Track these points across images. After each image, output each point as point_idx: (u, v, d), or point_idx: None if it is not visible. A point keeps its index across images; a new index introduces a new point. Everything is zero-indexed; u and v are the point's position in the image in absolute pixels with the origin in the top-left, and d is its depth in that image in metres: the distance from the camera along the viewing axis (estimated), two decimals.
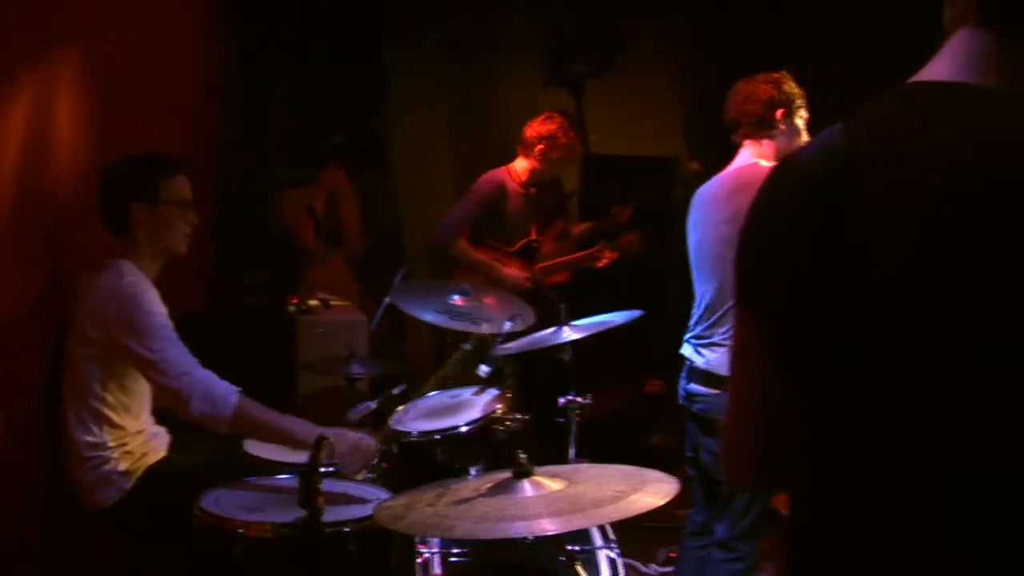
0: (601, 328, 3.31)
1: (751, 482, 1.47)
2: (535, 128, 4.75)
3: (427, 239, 5.06)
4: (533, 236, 4.91)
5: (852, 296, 1.09)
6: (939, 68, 1.14)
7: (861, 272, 1.08)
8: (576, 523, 2.04)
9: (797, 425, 1.24)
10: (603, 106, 7.45)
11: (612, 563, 2.75)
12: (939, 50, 1.17)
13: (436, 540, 2.74)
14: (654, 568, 4.23)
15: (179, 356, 2.92)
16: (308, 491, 2.33)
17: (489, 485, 2.23)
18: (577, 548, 2.77)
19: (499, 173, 4.81)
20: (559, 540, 2.54)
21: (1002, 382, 1.00)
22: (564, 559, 2.48)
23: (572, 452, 3.37)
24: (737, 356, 1.37)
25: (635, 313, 3.38)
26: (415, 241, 7.03)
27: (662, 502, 2.06)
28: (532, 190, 4.83)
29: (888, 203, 1.06)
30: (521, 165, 4.81)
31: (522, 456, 2.19)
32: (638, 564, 4.20)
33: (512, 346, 3.35)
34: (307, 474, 2.33)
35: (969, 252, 0.99)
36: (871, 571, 1.15)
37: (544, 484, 2.19)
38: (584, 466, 2.52)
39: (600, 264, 4.90)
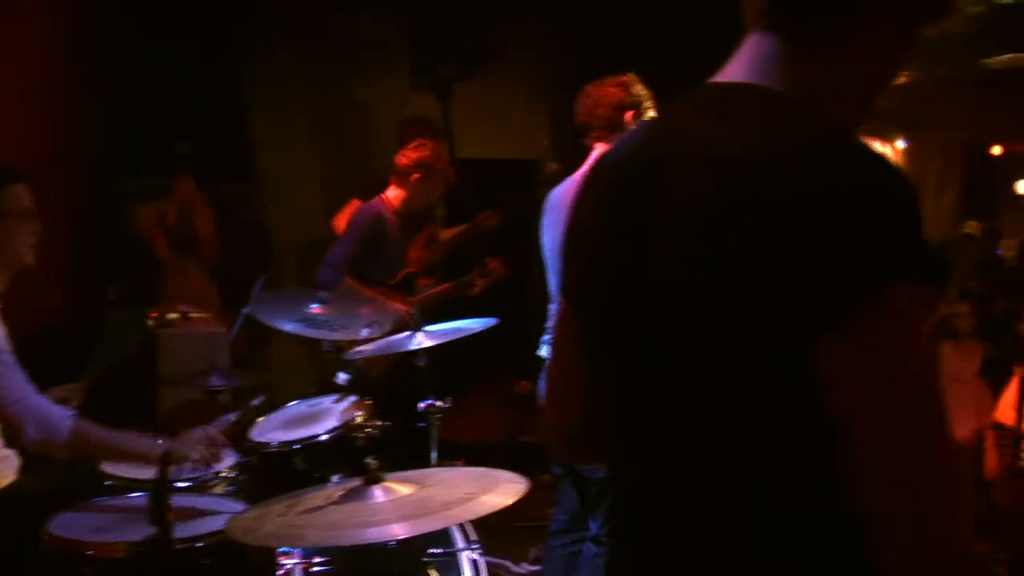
0: (456, 336, 3.33)
1: (572, 459, 1.51)
2: (408, 156, 4.65)
3: (296, 244, 5.02)
4: (411, 268, 4.87)
5: (652, 293, 1.13)
6: (732, 69, 1.17)
7: (658, 270, 1.11)
8: (425, 526, 2.04)
9: (615, 410, 1.28)
10: (470, 109, 7.51)
11: (474, 564, 2.78)
12: (735, 51, 1.20)
13: (298, 550, 2.73)
14: (525, 567, 4.28)
15: (14, 383, 2.81)
16: (157, 507, 2.29)
17: (340, 493, 2.23)
18: (439, 551, 2.79)
19: (374, 205, 4.68)
20: (421, 544, 2.56)
21: (790, 390, 1.01)
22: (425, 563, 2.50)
23: (434, 456, 3.38)
24: (557, 343, 1.42)
25: (491, 321, 3.41)
26: (282, 248, 6.98)
27: (510, 501, 2.08)
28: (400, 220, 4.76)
29: (675, 203, 1.10)
30: (395, 194, 4.70)
31: (371, 463, 2.20)
32: (509, 563, 4.25)
33: (366, 349, 3.35)
34: (156, 490, 2.30)
35: (740, 257, 1.00)
36: (680, 568, 1.19)
37: (395, 489, 2.20)
38: (436, 470, 2.54)
39: (474, 291, 4.90)
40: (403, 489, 2.20)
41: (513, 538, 4.20)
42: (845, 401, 0.97)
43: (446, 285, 4.93)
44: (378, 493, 2.20)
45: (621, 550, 1.29)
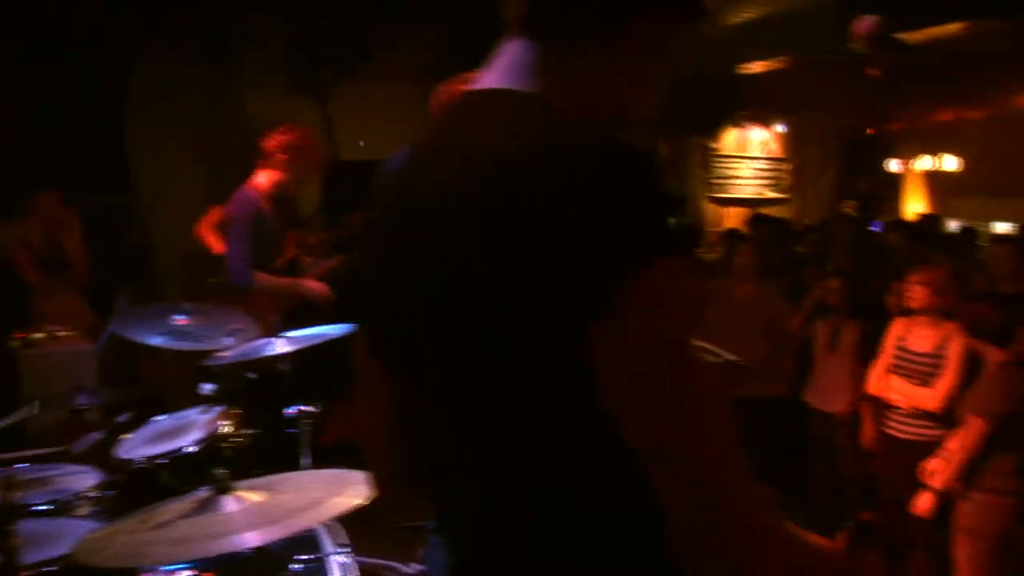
0: (316, 341, 3.31)
1: (400, 494, 1.47)
2: (276, 139, 4.61)
3: (177, 255, 4.92)
4: (294, 251, 4.81)
5: (425, 307, 1.12)
6: (492, 75, 1.18)
7: (428, 283, 1.11)
8: (275, 532, 2.04)
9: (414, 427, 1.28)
10: (350, 111, 7.47)
11: (343, 567, 2.76)
12: (493, 55, 1.21)
13: (161, 568, 2.68)
14: (414, 567, 4.26)
15: None
16: (1, 534, 2.24)
17: (191, 506, 2.20)
18: (309, 557, 2.77)
19: (249, 194, 4.59)
20: (288, 551, 2.53)
21: (568, 388, 1.02)
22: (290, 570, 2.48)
23: (306, 461, 3.35)
24: (360, 377, 1.40)
25: (351, 327, 3.39)
26: (163, 260, 6.85)
27: (359, 502, 2.09)
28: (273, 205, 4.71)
29: (436, 214, 1.10)
30: (265, 178, 4.63)
31: (220, 473, 2.18)
32: (397, 565, 4.22)
33: (226, 356, 3.31)
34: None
35: (502, 262, 1.01)
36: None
37: (246, 497, 2.18)
38: (290, 475, 2.52)
39: None
40: (254, 497, 2.19)
41: (401, 539, 4.18)
42: (613, 385, 0.99)
43: (338, 258, 4.87)
44: (229, 503, 2.18)
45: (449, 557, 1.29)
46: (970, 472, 3.88)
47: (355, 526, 3.07)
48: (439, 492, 1.28)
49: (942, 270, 4.59)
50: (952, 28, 8.08)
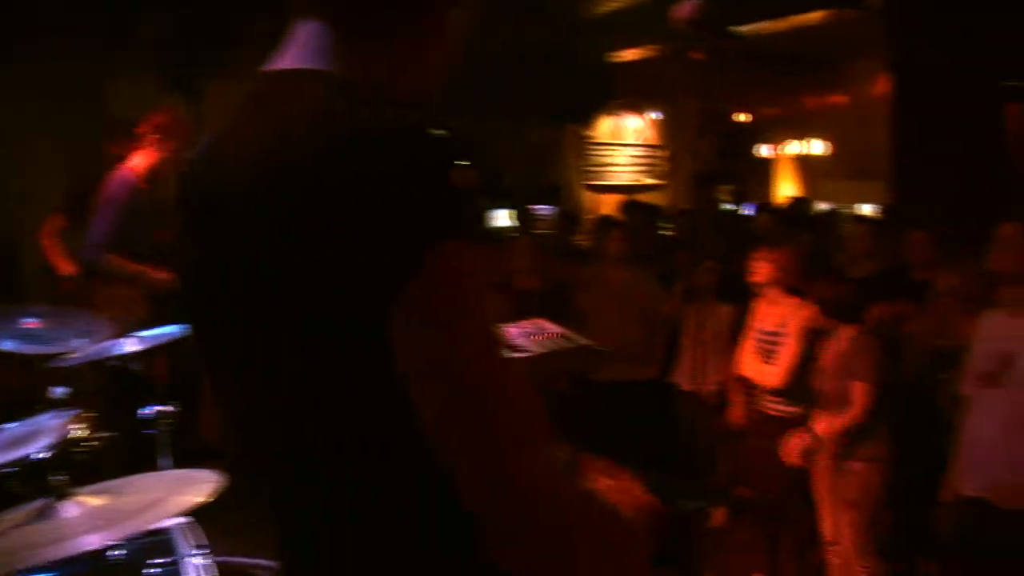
0: (162, 340, 3.25)
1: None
2: (148, 123, 4.68)
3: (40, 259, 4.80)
4: (164, 235, 4.74)
5: (231, 300, 1.12)
6: (286, 57, 1.17)
7: (231, 274, 1.10)
8: (113, 535, 2.00)
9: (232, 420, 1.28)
10: (223, 109, 7.32)
11: (199, 569, 2.71)
12: (288, 36, 1.20)
13: None
14: None
15: None
16: None
17: (29, 514, 2.14)
18: (164, 560, 2.72)
19: (125, 175, 4.60)
20: (142, 556, 2.49)
21: (376, 379, 1.01)
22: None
23: (166, 462, 3.29)
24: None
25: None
26: (30, 263, 6.62)
27: (202, 499, 2.07)
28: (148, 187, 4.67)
29: (231, 201, 1.08)
30: (138, 160, 4.64)
31: (58, 478, 2.13)
32: (267, 563, 4.17)
33: (71, 359, 3.23)
34: None
35: (296, 246, 1.00)
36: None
37: (87, 502, 2.14)
38: (135, 477, 2.48)
39: None
40: (95, 501, 2.15)
41: (272, 537, 4.13)
42: (405, 369, 0.99)
43: None
44: (69, 508, 2.13)
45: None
46: (852, 442, 3.99)
47: (225, 526, 3.03)
48: (270, 487, 1.27)
49: (786, 248, 4.72)
50: (812, 16, 8.35)
